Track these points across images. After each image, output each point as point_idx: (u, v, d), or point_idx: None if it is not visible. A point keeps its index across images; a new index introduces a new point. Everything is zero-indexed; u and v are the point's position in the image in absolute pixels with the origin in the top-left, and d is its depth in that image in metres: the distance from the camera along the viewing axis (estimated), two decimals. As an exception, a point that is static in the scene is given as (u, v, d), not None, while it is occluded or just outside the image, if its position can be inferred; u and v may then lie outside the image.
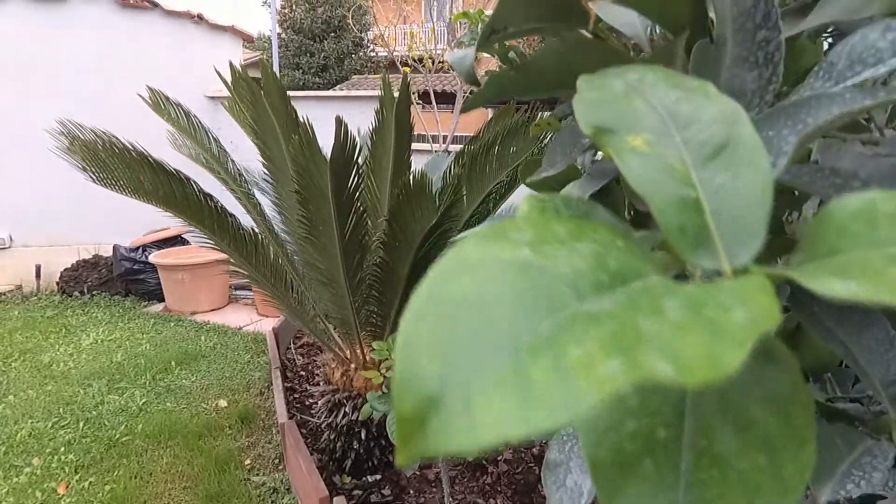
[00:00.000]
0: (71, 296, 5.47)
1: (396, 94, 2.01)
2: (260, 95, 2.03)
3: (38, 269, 5.63)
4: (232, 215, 2.32)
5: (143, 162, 2.02)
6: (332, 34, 16.90)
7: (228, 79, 2.24)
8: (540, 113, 2.14)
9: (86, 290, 5.49)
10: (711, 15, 0.47)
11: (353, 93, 6.62)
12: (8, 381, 3.78)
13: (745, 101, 0.40)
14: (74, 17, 5.52)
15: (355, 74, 16.70)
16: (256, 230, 2.45)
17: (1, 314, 5.04)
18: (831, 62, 0.38)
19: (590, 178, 0.50)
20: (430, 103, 5.32)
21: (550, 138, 2.06)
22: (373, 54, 18.01)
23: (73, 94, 5.47)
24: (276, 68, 6.79)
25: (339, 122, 1.63)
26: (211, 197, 2.13)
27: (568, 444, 0.45)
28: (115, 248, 5.46)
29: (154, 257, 5.26)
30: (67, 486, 2.71)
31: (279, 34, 15.37)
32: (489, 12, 1.77)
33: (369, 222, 2.14)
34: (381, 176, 2.22)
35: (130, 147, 2.00)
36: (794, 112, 0.34)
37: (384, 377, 1.86)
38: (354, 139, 1.74)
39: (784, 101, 0.36)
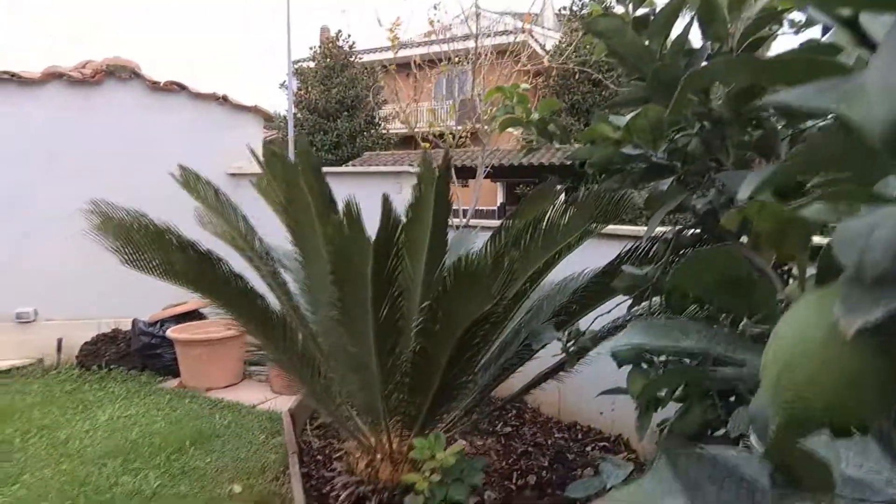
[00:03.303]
0: (89, 369, 5.47)
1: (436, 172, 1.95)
2: (295, 173, 1.99)
3: (59, 342, 5.69)
4: (262, 297, 2.24)
5: (175, 243, 1.96)
6: (346, 113, 17.49)
7: (250, 157, 2.20)
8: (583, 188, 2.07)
9: (104, 365, 5.48)
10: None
11: (370, 168, 6.68)
12: (25, 458, 3.70)
13: None
14: (107, 101, 5.77)
15: (367, 151, 17.12)
16: (283, 311, 2.37)
17: (22, 388, 5.03)
18: None
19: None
20: (451, 178, 5.34)
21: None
22: (384, 132, 18.51)
23: (101, 173, 5.61)
24: (291, 146, 6.92)
25: (386, 199, 1.57)
26: (241, 278, 2.07)
27: None
28: (135, 322, 5.48)
29: (171, 332, 5.22)
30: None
31: (295, 114, 15.85)
32: (524, 86, 1.73)
33: (405, 305, 2.04)
34: (417, 256, 2.14)
35: (165, 228, 1.95)
36: None
37: (429, 481, 1.70)
38: (398, 218, 1.67)
39: None
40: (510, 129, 1.82)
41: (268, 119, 7.06)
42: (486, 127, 5.23)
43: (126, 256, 2.01)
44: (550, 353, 2.27)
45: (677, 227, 1.61)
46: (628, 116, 1.36)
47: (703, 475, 0.50)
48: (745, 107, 1.27)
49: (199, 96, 6.19)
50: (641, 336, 0.62)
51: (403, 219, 2.15)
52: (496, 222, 4.24)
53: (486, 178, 5.57)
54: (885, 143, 0.29)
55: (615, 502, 0.78)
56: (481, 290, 1.57)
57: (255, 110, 6.77)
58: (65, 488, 3.29)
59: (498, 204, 16.78)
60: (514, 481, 3.45)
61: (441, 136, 5.69)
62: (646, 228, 2.10)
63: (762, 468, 0.57)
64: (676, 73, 1.22)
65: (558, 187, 2.23)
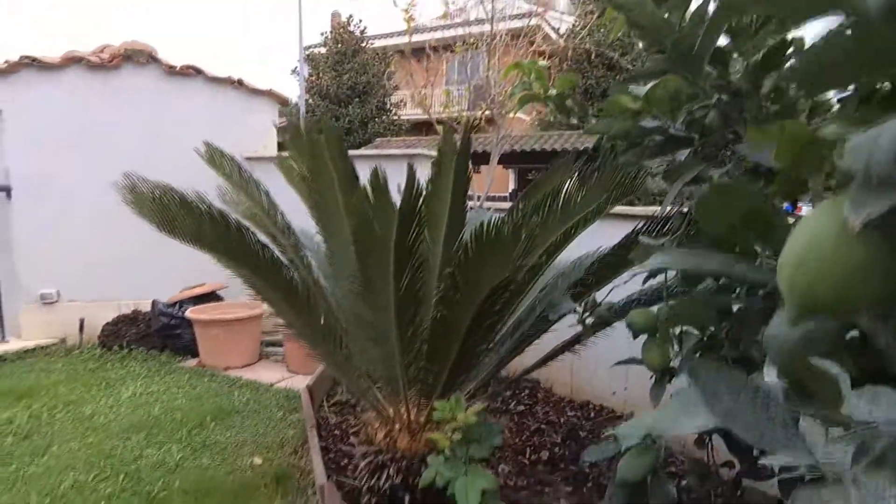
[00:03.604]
0: (111, 349, 5.61)
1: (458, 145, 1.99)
2: (320, 146, 2.04)
3: (81, 323, 5.82)
4: (287, 266, 2.30)
5: (205, 213, 2.03)
6: (357, 99, 17.49)
7: (264, 142, 2.26)
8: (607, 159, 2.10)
9: (125, 345, 5.61)
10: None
11: (384, 151, 6.74)
12: (52, 432, 3.82)
13: None
14: (125, 86, 5.84)
15: (378, 137, 17.12)
16: (306, 284, 2.43)
17: (46, 366, 5.19)
18: None
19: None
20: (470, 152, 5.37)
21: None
22: (395, 118, 18.51)
23: (120, 157, 5.62)
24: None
25: (410, 167, 1.62)
26: (267, 247, 2.13)
27: None
28: (154, 303, 5.61)
29: (190, 312, 5.33)
30: (109, 543, 2.65)
31: (306, 100, 15.88)
32: (543, 63, 1.76)
33: (424, 276, 2.09)
34: (437, 228, 2.18)
35: (197, 198, 2.02)
36: None
37: (450, 440, 1.76)
38: (421, 187, 1.72)
39: None
40: (521, 115, 1.87)
41: (283, 103, 7.09)
42: (503, 109, 5.25)
43: (160, 224, 2.08)
44: (564, 328, 2.33)
45: (694, 200, 1.64)
46: (647, 87, 1.39)
47: (722, 386, 0.55)
48: (765, 78, 1.30)
49: (214, 80, 6.25)
50: (669, 259, 0.67)
51: (424, 192, 2.21)
52: (509, 205, 4.28)
53: (498, 164, 5.60)
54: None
55: (640, 425, 0.84)
56: (503, 254, 1.61)
57: (269, 94, 6.81)
58: (92, 459, 3.40)
59: (510, 190, 16.77)
60: (527, 456, 3.52)
61: (457, 121, 5.73)
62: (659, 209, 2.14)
63: (777, 386, 0.62)
64: (695, 44, 1.26)
65: (575, 163, 2.27)
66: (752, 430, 0.51)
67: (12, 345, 5.60)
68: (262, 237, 2.71)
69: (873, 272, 0.42)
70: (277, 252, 2.67)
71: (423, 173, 2.00)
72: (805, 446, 0.50)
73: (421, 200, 1.79)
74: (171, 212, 2.01)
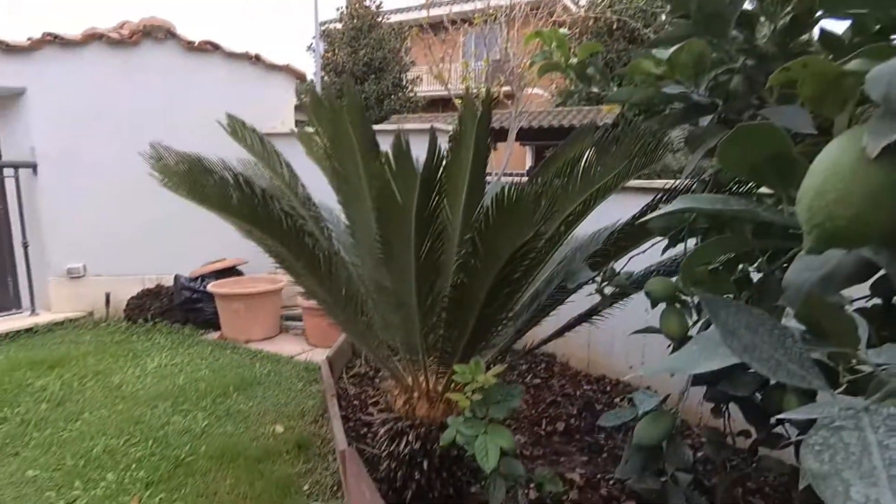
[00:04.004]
0: (136, 322, 5.78)
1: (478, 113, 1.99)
2: (341, 113, 2.06)
3: (107, 297, 5.99)
4: (310, 234, 2.34)
5: (232, 181, 2.06)
6: (373, 76, 17.37)
7: (282, 117, 2.27)
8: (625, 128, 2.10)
9: (149, 318, 5.77)
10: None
11: (406, 125, 6.73)
12: (84, 399, 3.97)
13: None
14: (145, 62, 5.90)
15: (394, 114, 17.04)
16: (327, 253, 2.46)
17: (76, 337, 5.37)
18: None
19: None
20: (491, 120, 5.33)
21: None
22: (412, 95, 18.40)
23: (141, 132, 5.68)
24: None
25: (433, 132, 1.63)
26: (291, 216, 2.16)
27: (825, 454, 0.43)
28: (177, 277, 5.72)
29: (212, 287, 5.42)
30: (140, 501, 2.78)
31: (322, 77, 15.84)
32: (564, 31, 1.75)
33: (444, 244, 2.11)
34: (457, 195, 2.20)
35: (223, 166, 2.05)
36: None
37: (470, 400, 1.80)
38: (442, 153, 1.74)
39: None
40: (539, 90, 1.87)
41: (300, 78, 7.09)
42: (521, 82, 5.21)
43: (188, 193, 2.12)
44: (583, 301, 2.35)
45: (716, 167, 1.64)
46: (670, 50, 1.38)
47: (741, 323, 0.57)
48: (793, 42, 1.29)
49: (232, 56, 6.27)
50: (692, 202, 0.68)
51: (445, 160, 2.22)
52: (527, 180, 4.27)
53: (515, 140, 5.56)
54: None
55: (653, 371, 0.86)
56: (523, 219, 1.63)
57: (286, 70, 6.82)
58: (122, 425, 3.53)
59: (527, 167, 16.68)
60: (542, 427, 3.56)
61: (476, 95, 5.70)
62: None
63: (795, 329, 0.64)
64: (720, 6, 1.25)
65: (594, 133, 2.26)
66: (769, 362, 0.53)
67: (43, 317, 5.80)
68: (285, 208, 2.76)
69: (890, 198, 0.43)
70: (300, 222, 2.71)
71: (442, 148, 2.01)
72: (821, 377, 0.52)
73: (443, 166, 1.80)
74: (198, 180, 2.05)
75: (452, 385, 2.22)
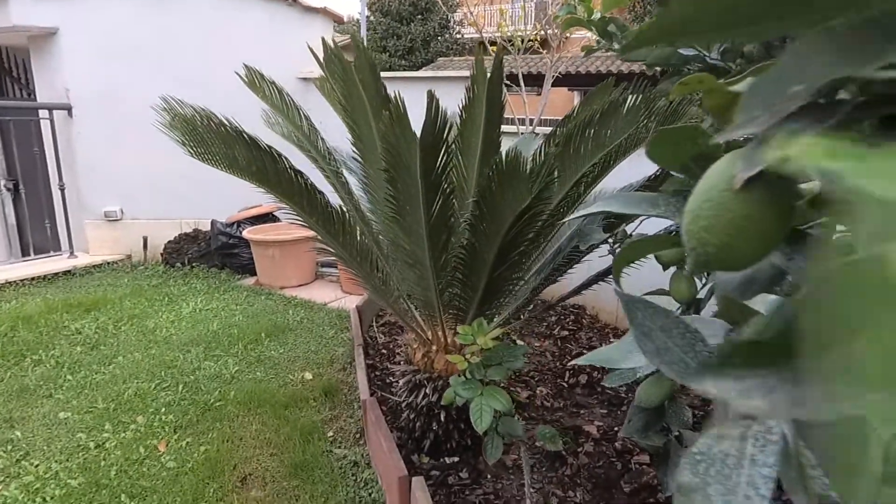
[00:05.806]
0: (173, 266, 5.90)
1: (489, 73, 1.95)
2: (351, 71, 2.03)
3: (144, 240, 6.12)
4: (321, 193, 2.35)
5: (237, 138, 2.08)
6: (419, 16, 16.94)
7: (320, 56, 2.25)
8: (645, 86, 2.01)
9: (186, 262, 5.89)
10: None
11: (441, 73, 6.60)
12: (118, 343, 4.12)
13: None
14: (181, 1, 5.84)
15: (441, 57, 16.69)
16: (344, 209, 2.48)
17: (113, 280, 5.53)
18: None
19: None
20: (518, 85, 5.22)
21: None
22: (458, 36, 17.93)
23: (177, 70, 5.78)
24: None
25: (431, 96, 1.60)
26: (301, 174, 2.17)
27: (702, 465, 0.41)
28: (213, 222, 5.79)
29: (247, 233, 5.51)
30: (167, 445, 2.90)
31: (368, 17, 15.56)
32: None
33: (456, 203, 2.10)
34: (470, 156, 2.17)
35: (226, 122, 2.06)
36: None
37: (468, 363, 1.82)
38: (445, 114, 1.70)
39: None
40: (589, 34, 1.79)
41: (338, 21, 6.99)
42: (555, 30, 5.03)
43: (192, 149, 2.14)
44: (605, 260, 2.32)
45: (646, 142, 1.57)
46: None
47: (656, 325, 0.56)
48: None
49: (269, -4, 6.18)
50: (614, 205, 0.66)
51: (458, 120, 2.19)
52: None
53: (562, 86, 5.40)
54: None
55: (587, 360, 0.86)
56: (521, 184, 1.60)
57: (324, 12, 6.72)
58: (154, 370, 3.66)
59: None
60: (566, 380, 3.58)
61: (510, 40, 5.52)
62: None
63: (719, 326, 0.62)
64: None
65: (615, 89, 2.17)
66: (679, 365, 0.52)
67: (81, 260, 5.93)
68: (306, 161, 2.76)
69: (756, 229, 0.41)
70: (322, 177, 2.72)
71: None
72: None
73: (447, 128, 1.77)
74: (202, 136, 2.07)
75: (459, 340, 2.25)
